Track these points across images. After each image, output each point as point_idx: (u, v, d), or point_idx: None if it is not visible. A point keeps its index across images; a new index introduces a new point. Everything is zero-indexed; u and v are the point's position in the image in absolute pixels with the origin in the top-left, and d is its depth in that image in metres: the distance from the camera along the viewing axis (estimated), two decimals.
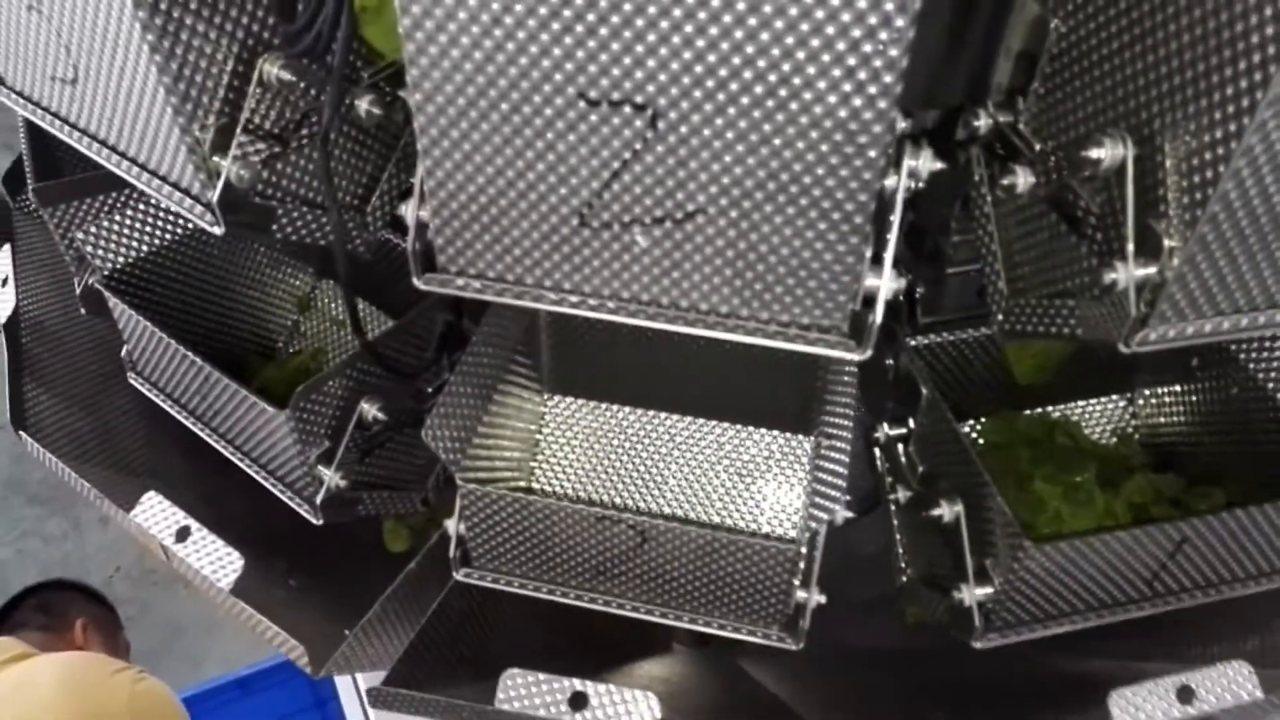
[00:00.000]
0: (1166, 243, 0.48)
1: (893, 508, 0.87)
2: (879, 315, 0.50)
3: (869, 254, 0.48)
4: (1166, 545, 0.69)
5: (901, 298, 0.53)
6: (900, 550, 0.87)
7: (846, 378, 0.76)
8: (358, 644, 0.86)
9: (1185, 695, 0.69)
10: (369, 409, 0.81)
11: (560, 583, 0.76)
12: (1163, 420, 0.95)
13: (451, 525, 0.75)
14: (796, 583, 0.71)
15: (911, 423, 0.84)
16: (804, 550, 0.71)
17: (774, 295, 0.50)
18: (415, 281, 0.54)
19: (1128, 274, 0.50)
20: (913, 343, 0.85)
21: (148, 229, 0.94)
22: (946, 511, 0.74)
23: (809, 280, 0.49)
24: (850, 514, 0.72)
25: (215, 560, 0.83)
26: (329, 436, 0.79)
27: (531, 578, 0.76)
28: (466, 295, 0.54)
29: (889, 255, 0.50)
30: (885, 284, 0.49)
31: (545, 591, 0.75)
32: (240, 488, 0.86)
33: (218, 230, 0.58)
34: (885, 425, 0.86)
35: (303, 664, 0.82)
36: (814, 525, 0.71)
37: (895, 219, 0.50)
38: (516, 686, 0.69)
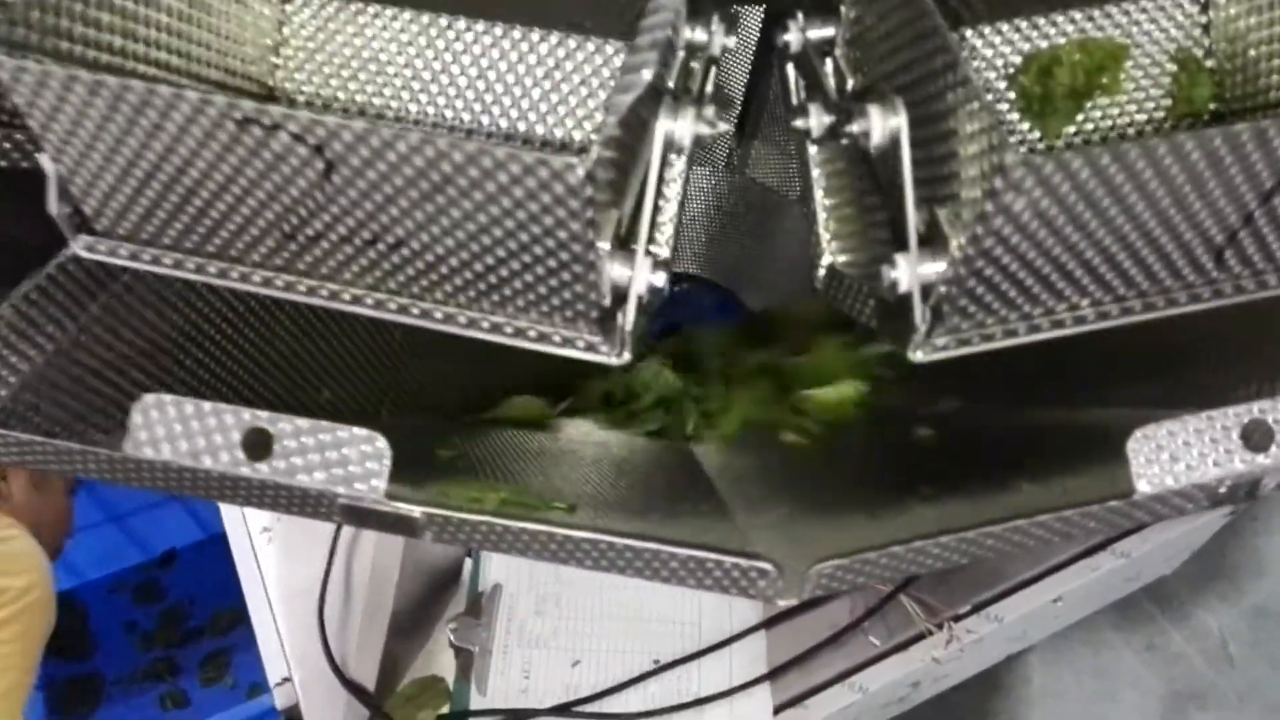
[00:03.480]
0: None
1: (811, 151, 0.57)
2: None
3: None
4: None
5: None
6: (816, 211, 0.56)
7: None
8: None
9: (1258, 436, 0.44)
10: None
11: (233, 258, 0.45)
12: None
13: (45, 162, 0.45)
14: (603, 245, 0.41)
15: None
16: (600, 177, 0.38)
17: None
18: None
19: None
20: None
21: None
22: (878, 125, 0.45)
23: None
24: (716, 126, 0.46)
25: None
26: None
27: (189, 251, 0.45)
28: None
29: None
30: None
31: (202, 271, 0.45)
32: None
33: None
34: (798, 24, 0.56)
35: None
36: (610, 123, 0.40)
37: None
38: (160, 421, 0.43)
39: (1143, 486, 0.45)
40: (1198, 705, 1.77)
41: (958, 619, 0.99)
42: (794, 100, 0.52)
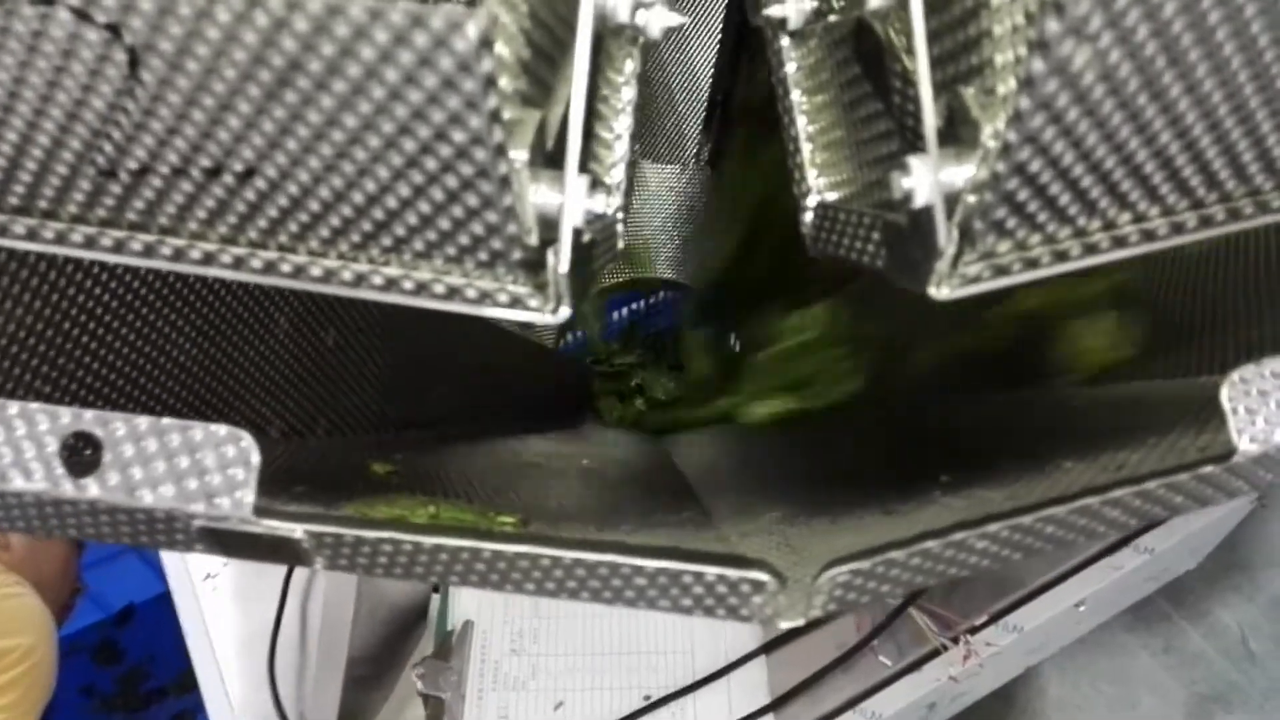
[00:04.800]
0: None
1: (785, 50, 0.44)
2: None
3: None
4: None
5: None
6: (798, 138, 0.44)
7: None
8: None
9: None
10: None
11: (44, 212, 0.33)
12: None
13: None
14: (519, 154, 0.30)
15: None
16: (507, 54, 0.31)
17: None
18: None
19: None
20: None
21: None
22: None
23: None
24: None
25: None
26: None
27: None
28: None
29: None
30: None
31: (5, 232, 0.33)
32: None
33: None
34: None
35: None
36: None
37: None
38: None
39: (1246, 445, 0.35)
40: (1223, 707, 1.68)
41: (974, 631, 0.90)
42: None
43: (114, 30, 0.28)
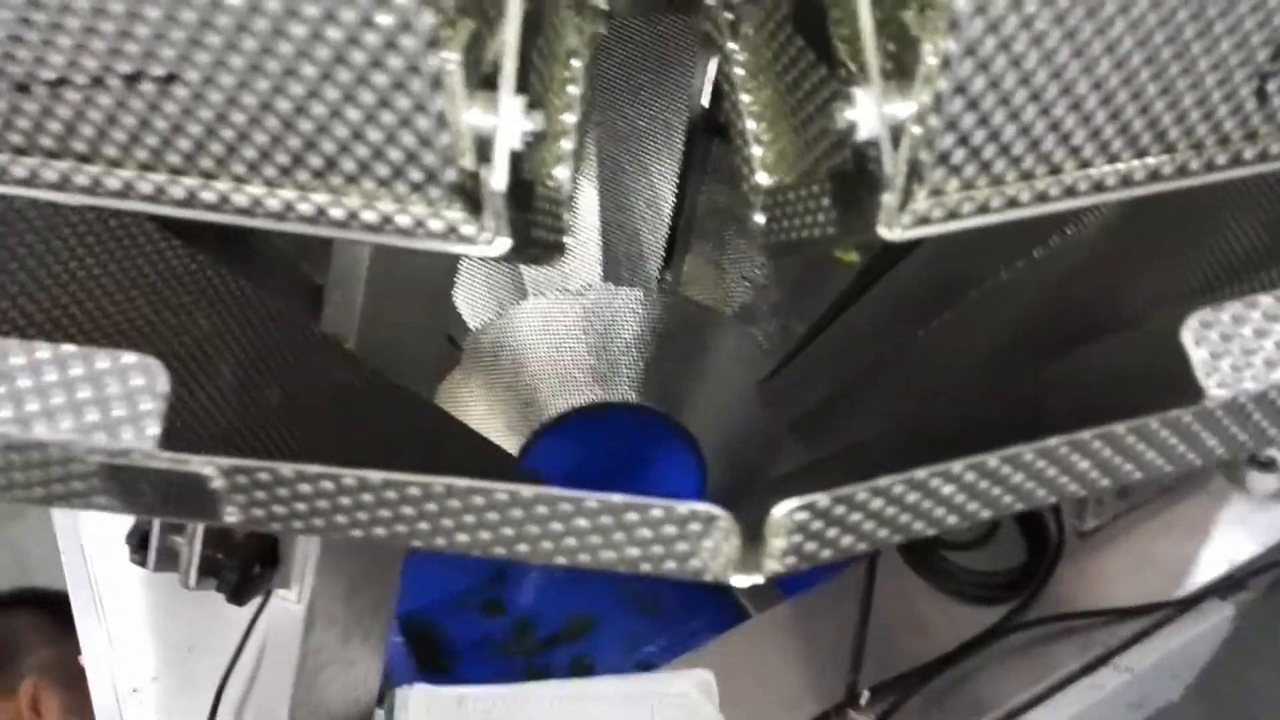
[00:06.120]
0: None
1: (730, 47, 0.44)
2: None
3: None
4: None
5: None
6: (744, 124, 0.43)
7: None
8: None
9: None
10: None
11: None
12: None
13: None
14: (451, 55, 0.29)
15: None
16: None
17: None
18: None
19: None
20: None
21: None
22: None
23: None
24: None
25: None
26: None
27: None
28: None
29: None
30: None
31: None
32: None
33: None
34: None
35: None
36: None
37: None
38: None
39: (1214, 389, 0.33)
40: None
41: None
42: None
43: None
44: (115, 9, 0.29)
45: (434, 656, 1.73)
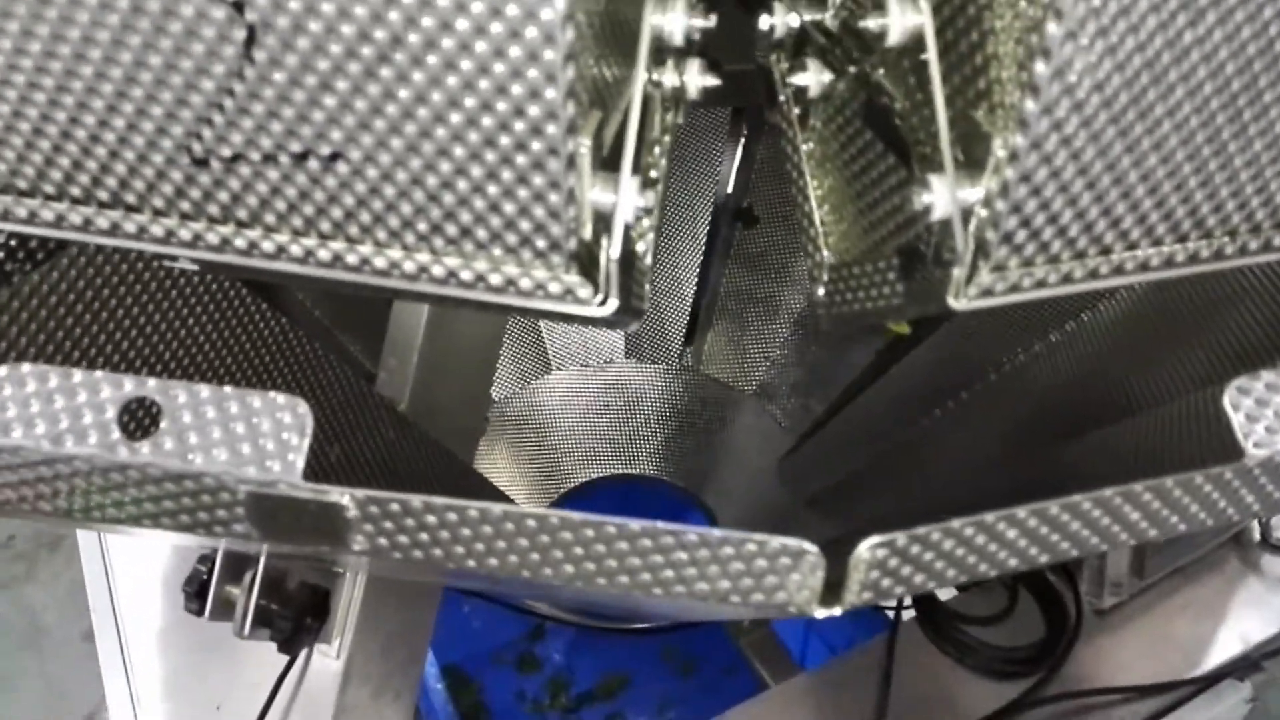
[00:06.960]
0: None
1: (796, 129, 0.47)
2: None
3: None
4: None
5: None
6: (810, 207, 0.47)
7: None
8: None
9: None
10: None
11: (129, 206, 0.36)
12: None
13: None
14: (583, 140, 0.33)
15: None
16: (577, 41, 0.31)
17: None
18: None
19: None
20: None
21: None
22: (896, 24, 0.37)
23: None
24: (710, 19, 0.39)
25: None
26: None
27: (72, 199, 0.37)
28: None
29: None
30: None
31: (90, 227, 0.36)
32: None
33: None
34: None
35: None
36: None
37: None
38: (15, 399, 0.33)
39: (1252, 449, 0.37)
40: None
41: None
42: (779, 78, 0.47)
43: (238, 7, 0.31)
44: (298, 96, 0.33)
45: (472, 711, 1.74)
